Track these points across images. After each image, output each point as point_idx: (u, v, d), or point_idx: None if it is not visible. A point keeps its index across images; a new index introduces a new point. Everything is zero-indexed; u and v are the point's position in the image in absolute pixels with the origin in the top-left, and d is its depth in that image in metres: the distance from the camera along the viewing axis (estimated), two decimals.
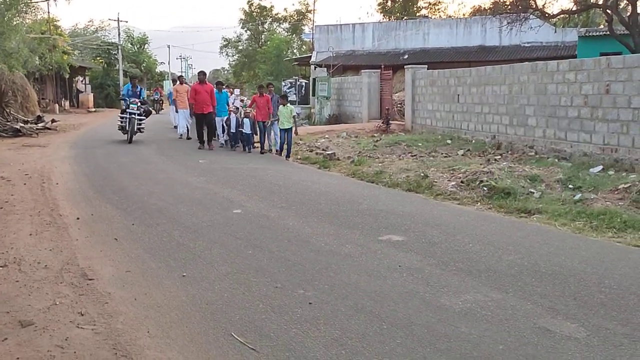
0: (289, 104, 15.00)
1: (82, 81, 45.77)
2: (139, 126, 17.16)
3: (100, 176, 10.95)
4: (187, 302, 4.52)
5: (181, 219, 7.37)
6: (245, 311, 4.32)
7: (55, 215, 7.60)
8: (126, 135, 16.93)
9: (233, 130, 15.94)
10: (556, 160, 11.41)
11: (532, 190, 8.90)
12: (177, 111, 19.46)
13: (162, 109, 35.49)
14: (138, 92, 17.44)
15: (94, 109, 39.86)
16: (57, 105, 35.64)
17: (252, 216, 7.52)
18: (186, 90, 18.30)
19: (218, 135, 16.76)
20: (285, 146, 14.42)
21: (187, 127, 18.50)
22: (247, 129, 15.51)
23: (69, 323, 4.13)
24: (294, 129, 14.79)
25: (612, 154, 10.76)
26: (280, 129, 14.54)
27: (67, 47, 36.67)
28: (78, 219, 7.37)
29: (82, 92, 44.27)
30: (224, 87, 18.13)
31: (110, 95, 45.64)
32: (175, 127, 20.37)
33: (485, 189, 9.09)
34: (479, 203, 8.70)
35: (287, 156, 14.33)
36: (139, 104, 17.00)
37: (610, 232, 6.85)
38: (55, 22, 37.08)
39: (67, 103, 39.48)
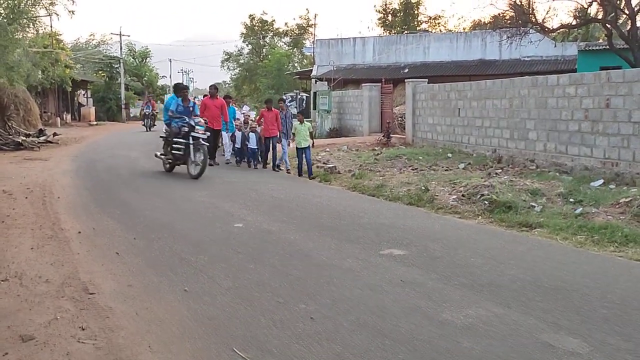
0: (306, 121, 14.15)
1: (84, 95, 45.97)
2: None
3: (101, 190, 10.96)
4: (189, 317, 4.51)
5: (183, 233, 7.37)
6: (247, 326, 4.31)
7: (57, 229, 7.60)
8: (190, 169, 12.45)
9: (238, 145, 15.40)
10: (557, 174, 11.42)
11: (533, 204, 8.89)
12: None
13: (154, 124, 32.07)
14: (191, 108, 12.93)
15: (95, 123, 39.97)
16: (58, 118, 35.77)
17: (254, 230, 7.52)
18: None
19: (224, 151, 16.03)
20: (304, 166, 13.64)
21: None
22: (252, 143, 14.91)
23: (70, 338, 4.12)
24: (311, 144, 13.89)
25: (613, 168, 10.76)
26: (297, 148, 13.64)
27: (70, 60, 36.83)
28: (79, 232, 7.37)
29: (83, 105, 44.44)
30: (231, 101, 17.42)
31: (111, 109, 45.82)
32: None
33: (486, 202, 9.09)
34: (480, 217, 8.70)
35: (310, 174, 13.49)
36: (203, 124, 12.69)
37: (612, 247, 6.84)
38: (57, 36, 37.30)
39: (69, 116, 39.59)
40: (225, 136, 15.67)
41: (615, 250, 6.73)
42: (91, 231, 7.49)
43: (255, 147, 14.85)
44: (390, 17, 51.28)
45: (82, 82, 42.52)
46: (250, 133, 14.93)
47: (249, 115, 16.95)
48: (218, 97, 15.56)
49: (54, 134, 23.28)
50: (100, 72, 48.23)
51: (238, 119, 16.49)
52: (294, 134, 13.80)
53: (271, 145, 14.75)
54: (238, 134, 15.32)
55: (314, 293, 5.02)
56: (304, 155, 13.58)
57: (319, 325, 4.32)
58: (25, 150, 18.93)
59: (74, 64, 39.66)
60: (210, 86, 16.05)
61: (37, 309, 4.68)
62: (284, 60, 47.16)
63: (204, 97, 17.53)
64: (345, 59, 34.31)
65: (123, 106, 47.00)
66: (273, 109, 14.69)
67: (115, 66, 48.07)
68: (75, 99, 43.58)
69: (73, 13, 20.83)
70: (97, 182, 11.98)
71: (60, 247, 6.69)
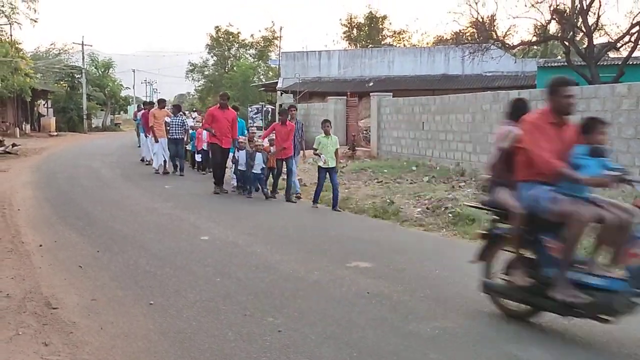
0: (332, 134, 11.00)
1: (44, 105, 44.99)
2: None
3: (63, 202, 10.75)
4: (155, 331, 4.46)
5: (147, 245, 7.28)
6: (214, 339, 4.29)
7: (17, 242, 7.41)
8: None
9: (243, 167, 11.97)
10: None
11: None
12: (156, 141, 15.63)
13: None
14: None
15: (56, 133, 39.15)
16: (17, 129, 34.93)
17: (220, 243, 7.48)
18: (164, 116, 15.71)
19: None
20: (322, 192, 10.81)
21: (165, 159, 15.56)
22: (257, 167, 11.71)
23: (33, 354, 4.03)
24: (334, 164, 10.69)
25: None
26: (320, 168, 10.64)
27: (30, 70, 36.08)
28: (41, 246, 7.21)
29: (43, 115, 43.49)
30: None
31: (73, 119, 44.95)
32: (143, 159, 18.37)
33: (450, 215, 9.24)
34: (444, 229, 8.83)
35: (335, 205, 10.50)
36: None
37: None
38: (17, 45, 36.52)
39: (28, 127, 38.71)
40: (244, 155, 12.34)
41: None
42: (53, 244, 7.34)
43: (261, 171, 11.75)
44: (355, 31, 51.84)
45: (43, 92, 41.63)
46: (257, 153, 11.76)
47: (254, 132, 13.98)
48: (229, 108, 12.79)
49: (13, 145, 22.76)
50: (61, 81, 47.29)
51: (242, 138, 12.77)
52: (315, 149, 10.71)
53: (285, 168, 11.63)
54: (241, 154, 12.02)
55: (281, 306, 5.03)
56: (327, 178, 10.60)
57: (286, 338, 4.32)
58: None
59: (34, 73, 38.86)
60: (221, 95, 13.09)
61: None
62: (249, 72, 47.16)
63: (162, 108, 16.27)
64: (310, 71, 34.47)
65: (85, 117, 46.19)
66: (288, 121, 11.62)
67: (77, 76, 47.20)
68: (35, 109, 42.63)
69: (36, 21, 20.46)
70: (59, 194, 11.74)
71: (21, 260, 6.53)
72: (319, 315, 4.80)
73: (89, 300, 5.17)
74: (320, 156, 10.50)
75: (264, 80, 50.83)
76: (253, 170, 11.69)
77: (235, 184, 12.40)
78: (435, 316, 4.81)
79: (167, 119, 15.62)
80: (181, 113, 16.82)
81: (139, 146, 19.91)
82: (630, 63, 19.37)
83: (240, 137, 12.45)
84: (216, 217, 9.32)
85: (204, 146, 15.05)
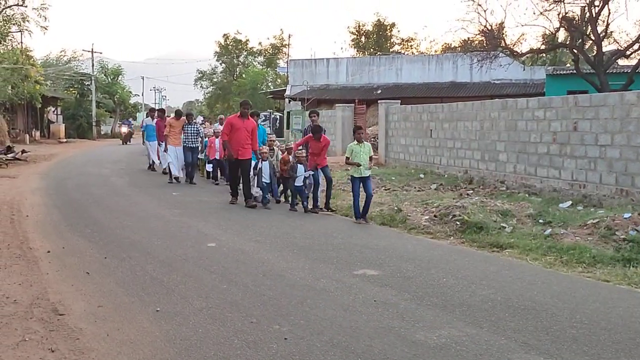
0: (365, 141, 10.56)
1: (53, 111, 45.34)
2: None
3: (72, 208, 10.80)
4: (161, 338, 4.45)
5: (155, 252, 7.29)
6: (220, 347, 4.28)
7: (25, 248, 7.45)
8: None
9: (267, 180, 11.48)
10: (527, 195, 11.62)
11: (503, 225, 9.02)
12: (165, 149, 15.41)
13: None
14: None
15: (65, 140, 39.44)
16: (27, 135, 35.22)
17: (227, 250, 7.48)
18: (181, 126, 15.38)
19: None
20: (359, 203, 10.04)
21: (178, 167, 15.22)
22: (299, 180, 10.93)
23: None
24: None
25: (580, 190, 10.99)
26: (354, 178, 10.04)
27: (40, 77, 36.38)
28: (49, 252, 7.24)
29: (53, 122, 43.83)
30: (258, 119, 13.35)
31: (82, 126, 45.28)
32: (150, 165, 18.59)
33: (458, 223, 9.20)
34: (452, 237, 8.79)
35: (365, 213, 10.00)
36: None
37: (580, 267, 6.97)
38: (28, 52, 36.85)
39: (38, 133, 39.02)
40: (267, 166, 11.77)
41: (583, 270, 6.86)
42: (61, 250, 7.36)
43: (302, 184, 10.97)
44: (363, 39, 51.97)
45: (52, 99, 42.01)
46: (298, 165, 11.03)
47: (273, 140, 13.25)
48: (250, 117, 11.82)
49: (23, 151, 22.91)
50: (70, 88, 47.68)
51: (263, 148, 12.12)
52: (348, 157, 10.21)
53: (320, 176, 11.06)
54: (265, 165, 11.46)
55: (287, 313, 5.01)
56: (361, 189, 10.02)
57: (293, 345, 4.31)
58: None
59: (44, 81, 39.18)
60: (242, 103, 12.26)
61: (5, 331, 4.57)
62: (257, 80, 47.33)
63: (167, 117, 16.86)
64: (318, 79, 34.55)
65: (94, 123, 46.50)
66: (323, 136, 11.19)
67: (87, 83, 47.58)
68: (45, 115, 42.99)
69: (46, 29, 20.64)
70: (67, 200, 11.80)
71: (28, 266, 6.56)
72: (325, 323, 4.78)
73: (95, 307, 5.18)
74: (358, 165, 9.93)
75: (272, 87, 51.06)
76: (295, 184, 11.01)
77: (259, 195, 11.44)
78: (443, 325, 4.78)
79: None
80: (195, 121, 16.78)
81: (147, 154, 19.86)
82: None
83: (262, 147, 11.97)
84: (223, 224, 9.33)
85: (217, 156, 15.04)
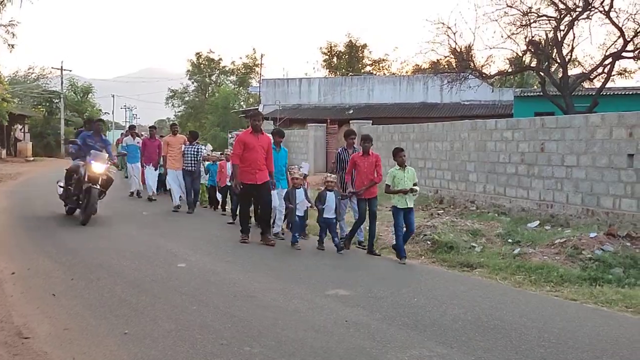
0: (408, 165, 9.00)
1: (21, 129, 44.57)
2: None
3: (38, 228, 10.57)
4: None
5: (123, 273, 7.16)
6: None
7: None
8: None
9: (300, 213, 9.73)
10: (496, 214, 11.78)
11: (473, 244, 9.13)
12: (165, 173, 13.99)
13: None
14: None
15: (32, 158, 38.72)
16: None
17: (197, 270, 7.40)
18: (182, 143, 13.55)
19: (274, 220, 10.15)
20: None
21: (181, 194, 13.47)
22: (329, 211, 9.23)
23: None
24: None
25: (548, 210, 11.19)
26: (396, 209, 8.56)
27: (7, 94, 35.78)
28: (13, 273, 7.06)
29: (20, 140, 43.07)
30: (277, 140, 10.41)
31: (50, 144, 44.58)
32: (132, 193, 15.96)
33: (429, 242, 9.27)
34: (423, 257, 8.85)
35: (402, 254, 8.45)
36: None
37: (548, 286, 7.08)
38: None
39: (4, 152, 38.25)
40: (276, 197, 9.98)
41: (551, 289, 6.97)
42: (26, 272, 7.18)
43: (334, 216, 9.36)
44: (335, 59, 52.39)
45: (20, 117, 41.27)
46: (327, 193, 9.31)
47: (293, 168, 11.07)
48: (264, 132, 9.80)
49: None
50: (38, 106, 47.00)
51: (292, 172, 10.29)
52: (388, 185, 8.70)
53: (368, 212, 9.14)
54: (299, 193, 9.64)
55: (259, 335, 4.97)
56: (404, 221, 8.57)
57: None
58: None
59: (12, 98, 38.55)
60: (254, 115, 9.99)
61: None
62: (230, 99, 47.29)
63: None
64: (291, 98, 34.71)
65: (62, 142, 45.81)
66: (371, 151, 9.23)
67: (55, 101, 46.99)
68: (12, 133, 42.21)
69: (13, 47, 20.38)
70: (33, 220, 11.55)
71: None
72: (297, 345, 4.75)
73: (61, 330, 5.06)
74: (407, 194, 8.46)
75: (244, 106, 51.04)
76: (325, 215, 9.20)
77: (279, 230, 10.09)
78: (414, 345, 4.79)
79: (183, 147, 13.46)
80: (197, 142, 13.86)
81: (126, 177, 18.00)
82: (604, 93, 19.84)
83: (295, 171, 10.13)
84: (193, 244, 9.23)
85: (228, 182, 12.20)
